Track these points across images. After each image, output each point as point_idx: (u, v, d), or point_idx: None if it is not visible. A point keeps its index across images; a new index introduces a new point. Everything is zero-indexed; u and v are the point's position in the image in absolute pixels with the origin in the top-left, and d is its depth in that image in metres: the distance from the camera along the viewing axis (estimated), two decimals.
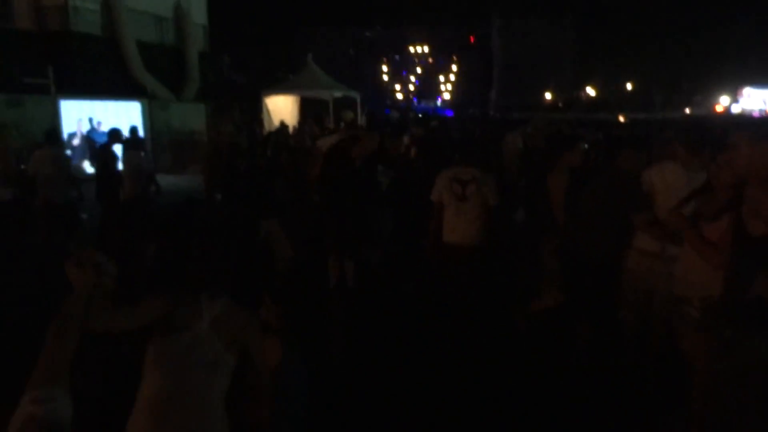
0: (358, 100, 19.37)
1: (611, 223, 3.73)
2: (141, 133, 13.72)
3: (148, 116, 14.02)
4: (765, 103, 61.19)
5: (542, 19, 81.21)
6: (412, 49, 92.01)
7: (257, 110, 17.65)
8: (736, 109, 59.72)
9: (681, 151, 3.71)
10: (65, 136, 12.13)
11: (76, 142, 12.70)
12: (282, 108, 17.84)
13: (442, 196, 4.52)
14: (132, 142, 7.60)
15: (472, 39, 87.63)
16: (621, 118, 27.81)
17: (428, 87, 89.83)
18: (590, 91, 71.56)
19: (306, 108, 19.36)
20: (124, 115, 13.71)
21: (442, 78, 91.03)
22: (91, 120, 12.79)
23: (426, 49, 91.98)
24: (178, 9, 16.95)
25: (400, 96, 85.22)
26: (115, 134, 7.44)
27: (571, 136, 5.66)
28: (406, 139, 10.75)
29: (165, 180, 9.94)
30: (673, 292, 3.15)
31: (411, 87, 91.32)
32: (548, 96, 73.45)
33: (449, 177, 4.52)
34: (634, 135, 7.32)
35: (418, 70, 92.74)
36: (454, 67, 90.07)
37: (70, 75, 13.15)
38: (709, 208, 2.87)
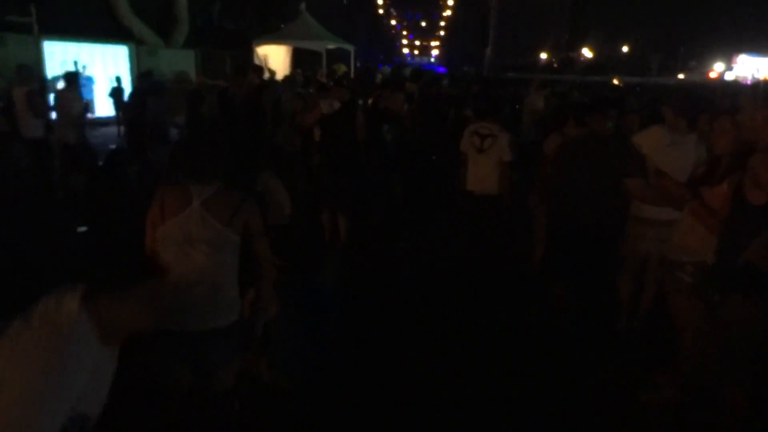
0: (352, 52, 18.95)
1: (603, 189, 3.64)
2: (128, 78, 13.46)
3: (135, 61, 13.61)
4: (758, 71, 61.15)
5: None
6: (408, 2, 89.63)
7: (248, 59, 17.21)
8: (729, 76, 59.52)
9: (668, 114, 3.68)
10: (48, 77, 11.76)
11: (60, 85, 12.33)
12: (274, 58, 17.40)
13: (466, 147, 4.86)
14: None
15: None
16: (616, 81, 27.54)
17: (423, 42, 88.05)
18: (586, 53, 70.62)
19: (298, 59, 18.93)
20: (110, 60, 13.31)
21: (438, 34, 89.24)
22: (76, 63, 12.37)
23: (422, 2, 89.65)
24: None
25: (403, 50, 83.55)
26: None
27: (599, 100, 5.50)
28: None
29: None
30: (667, 256, 3.18)
31: (405, 41, 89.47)
32: (543, 56, 72.41)
33: (471, 130, 4.87)
34: (604, 97, 7.23)
35: (414, 23, 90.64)
36: (449, 24, 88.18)
37: (54, 15, 12.62)
38: (711, 173, 2.87)
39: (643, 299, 3.93)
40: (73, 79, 7.57)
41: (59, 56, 12.34)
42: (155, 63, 14.09)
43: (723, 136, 2.81)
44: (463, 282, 4.55)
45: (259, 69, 8.24)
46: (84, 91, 11.52)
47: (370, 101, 9.00)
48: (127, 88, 12.91)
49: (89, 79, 12.31)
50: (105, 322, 1.52)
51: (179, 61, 14.90)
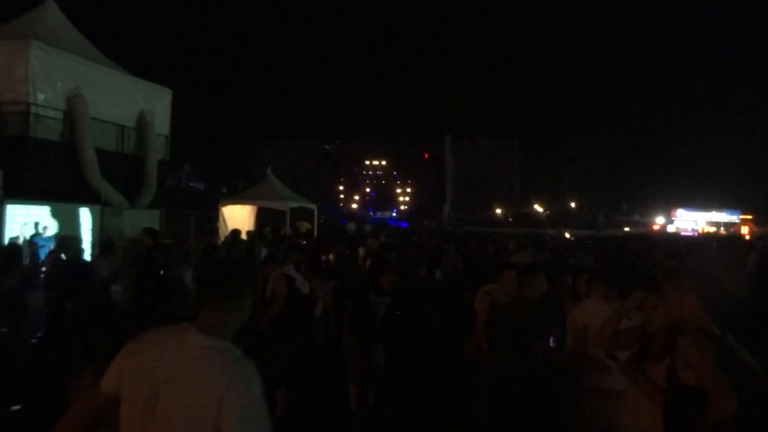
0: (315, 210, 19.73)
1: (519, 352, 3.70)
2: (89, 239, 13.50)
3: (98, 222, 13.78)
4: (696, 223, 66.16)
5: (491, 140, 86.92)
6: (369, 163, 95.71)
7: (214, 218, 17.66)
8: (671, 228, 63.91)
9: (599, 288, 3.90)
10: (5, 240, 11.70)
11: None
12: (238, 216, 17.92)
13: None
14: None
15: (426, 155, 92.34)
16: (567, 234, 29.06)
17: (384, 199, 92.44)
18: (538, 208, 75.23)
19: (263, 217, 19.50)
20: (74, 221, 13.43)
21: (398, 191, 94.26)
22: (36, 224, 12.41)
23: (383, 163, 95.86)
24: (142, 119, 17.34)
25: (356, 206, 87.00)
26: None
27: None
28: (362, 251, 10.90)
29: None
30: None
31: (367, 198, 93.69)
32: (498, 211, 76.58)
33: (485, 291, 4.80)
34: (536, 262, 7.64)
35: (375, 183, 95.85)
36: (410, 181, 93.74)
37: (21, 179, 12.97)
38: (646, 349, 2.93)
39: None
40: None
41: (20, 218, 12.41)
42: (119, 223, 14.28)
43: (654, 312, 2.92)
44: None
45: (154, 232, 8.12)
46: (41, 252, 11.45)
47: (331, 256, 9.23)
48: (88, 249, 12.91)
49: (48, 240, 12.28)
50: None
51: (143, 222, 15.13)
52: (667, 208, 70.27)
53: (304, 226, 19.20)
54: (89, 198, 14.33)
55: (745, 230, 54.07)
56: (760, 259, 10.23)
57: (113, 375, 1.91)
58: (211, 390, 1.76)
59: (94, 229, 13.78)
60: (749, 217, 64.19)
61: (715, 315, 2.79)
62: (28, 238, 12.34)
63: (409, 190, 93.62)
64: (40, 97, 14.22)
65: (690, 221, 66.95)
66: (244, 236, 13.34)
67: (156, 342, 1.93)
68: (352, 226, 29.13)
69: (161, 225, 15.88)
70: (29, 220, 12.47)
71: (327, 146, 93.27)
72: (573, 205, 75.75)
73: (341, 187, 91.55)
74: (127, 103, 16.89)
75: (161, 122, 18.26)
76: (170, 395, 1.80)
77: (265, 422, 1.81)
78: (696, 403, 2.47)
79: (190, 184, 23.99)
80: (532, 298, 4.01)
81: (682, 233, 52.75)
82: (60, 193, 13.48)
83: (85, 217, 13.75)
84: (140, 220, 15.18)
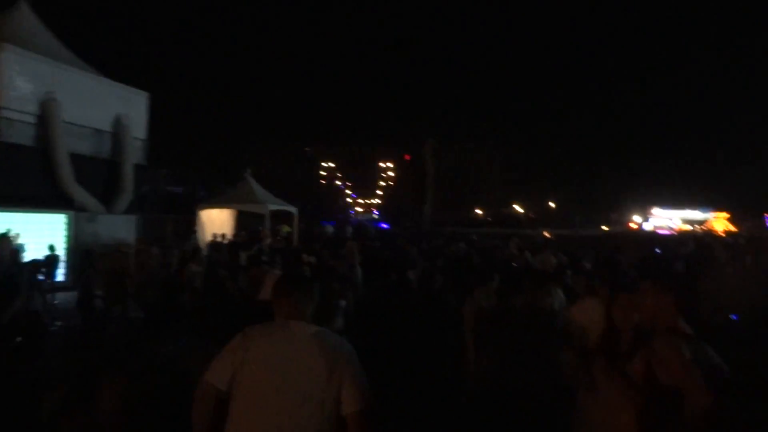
0: (296, 213, 19.61)
1: (529, 362, 3.70)
2: (63, 245, 13.23)
3: (72, 228, 13.52)
4: (671, 220, 67.53)
5: (471, 142, 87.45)
6: (350, 165, 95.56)
7: (192, 223, 17.45)
8: (647, 226, 65.08)
9: (600, 288, 3.90)
10: None
11: None
12: (216, 220, 17.73)
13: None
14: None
15: (407, 157, 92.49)
16: (546, 234, 29.34)
17: (365, 201, 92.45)
18: (517, 208, 75.88)
19: (242, 221, 19.34)
20: (46, 227, 13.17)
21: (379, 192, 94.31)
22: (7, 232, 12.10)
23: (364, 165, 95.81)
24: (117, 123, 17.07)
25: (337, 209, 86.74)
26: None
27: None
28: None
29: None
30: None
31: (349, 200, 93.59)
32: (478, 212, 77.09)
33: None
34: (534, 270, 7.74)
35: (357, 185, 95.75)
36: (391, 183, 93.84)
37: None
38: (611, 347, 2.98)
39: None
40: None
41: None
42: (94, 229, 14.03)
43: (623, 312, 2.97)
44: None
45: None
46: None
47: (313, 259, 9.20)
48: (62, 256, 12.67)
49: (20, 247, 12.01)
50: None
51: (119, 227, 14.91)
52: (644, 207, 71.54)
53: (284, 229, 19.10)
54: (63, 204, 14.07)
55: (719, 227, 55.29)
56: (730, 256, 10.49)
57: (222, 371, 2.25)
58: (329, 363, 2.21)
59: (68, 236, 13.53)
60: (723, 214, 65.65)
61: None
62: None
63: (390, 192, 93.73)
64: (13, 101, 13.92)
65: (666, 219, 68.31)
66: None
67: (266, 335, 2.32)
68: (329, 228, 29.01)
69: (138, 230, 15.66)
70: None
71: (307, 148, 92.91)
72: (552, 205, 76.61)
73: (321, 191, 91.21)
74: (103, 106, 16.61)
75: (137, 125, 18.00)
76: (297, 372, 2.19)
77: (366, 382, 2.27)
78: (672, 402, 2.53)
79: (168, 188, 23.64)
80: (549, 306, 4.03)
81: (659, 231, 53.77)
82: (33, 199, 13.21)
83: (59, 223, 13.49)
84: (116, 225, 14.95)
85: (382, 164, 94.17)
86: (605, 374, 2.97)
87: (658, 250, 15.73)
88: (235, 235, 17.25)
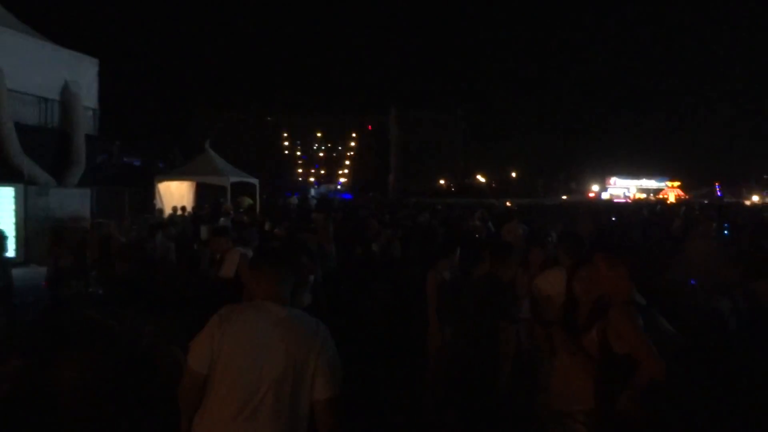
0: (257, 185, 19.30)
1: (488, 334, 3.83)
2: (12, 219, 12.67)
3: (22, 202, 12.94)
4: (628, 190, 69.73)
5: (435, 111, 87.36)
6: (312, 135, 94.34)
7: (150, 196, 16.96)
8: (605, 195, 66.99)
9: (565, 259, 3.95)
10: None
11: None
12: (175, 193, 17.29)
13: None
14: None
15: (369, 127, 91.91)
16: (508, 203, 29.81)
17: (328, 171, 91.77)
18: (480, 178, 76.73)
19: (202, 193, 18.92)
20: None
21: (343, 163, 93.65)
22: None
23: (327, 134, 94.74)
24: (66, 91, 16.21)
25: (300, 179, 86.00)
26: None
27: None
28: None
29: (36, 271, 9.04)
30: (552, 406, 3.15)
31: (311, 170, 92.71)
32: (442, 182, 77.64)
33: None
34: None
35: (319, 155, 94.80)
36: (353, 153, 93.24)
37: None
38: (571, 316, 3.06)
39: None
40: None
41: None
42: (46, 203, 13.47)
43: (582, 284, 3.05)
44: None
45: None
46: None
47: (277, 230, 9.09)
48: (11, 231, 12.15)
49: None
50: None
51: (73, 201, 14.35)
52: (602, 176, 73.49)
53: (246, 201, 18.79)
54: (10, 177, 13.40)
55: (671, 196, 57.34)
56: (685, 224, 10.87)
57: (203, 355, 2.22)
58: (306, 347, 2.21)
59: (17, 210, 12.95)
60: (676, 183, 68.05)
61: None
62: None
63: (352, 162, 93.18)
64: None
65: (622, 188, 70.43)
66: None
67: (241, 317, 2.28)
68: (294, 200, 28.76)
69: (92, 204, 15.12)
70: None
71: (269, 117, 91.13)
72: (513, 174, 77.77)
73: (284, 161, 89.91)
74: (50, 73, 15.70)
75: (88, 94, 17.13)
76: (270, 356, 2.18)
77: (340, 367, 2.28)
78: (627, 371, 2.60)
79: (124, 160, 22.82)
80: (506, 278, 4.09)
81: (615, 200, 55.40)
82: None
83: (7, 197, 12.88)
84: (69, 199, 14.38)
85: (345, 133, 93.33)
86: (564, 344, 3.05)
87: (613, 219, 16.14)
88: (195, 207, 16.87)
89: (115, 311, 4.65)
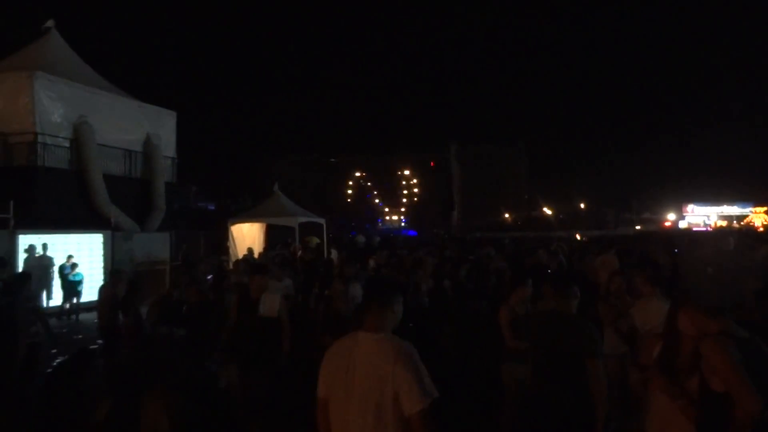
0: (324, 225, 19.70)
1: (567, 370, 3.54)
2: (101, 264, 13.54)
3: (110, 247, 13.85)
4: (708, 218, 65.54)
5: (496, 145, 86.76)
6: (376, 174, 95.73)
7: (223, 238, 17.70)
8: (683, 224, 63.35)
9: (645, 287, 3.75)
10: (20, 267, 11.71)
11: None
12: (247, 235, 17.94)
13: None
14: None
15: (432, 163, 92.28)
16: (578, 236, 28.84)
17: (392, 209, 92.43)
18: (547, 211, 74.73)
19: (272, 234, 19.52)
20: (85, 247, 13.50)
21: (404, 200, 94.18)
22: (45, 246, 12.32)
23: (390, 173, 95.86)
24: (148, 143, 17.45)
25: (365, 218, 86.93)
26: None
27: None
28: (372, 263, 10.87)
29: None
30: None
31: (376, 210, 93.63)
32: (506, 215, 76.31)
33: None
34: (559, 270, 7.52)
35: (383, 193, 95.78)
36: (416, 190, 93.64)
37: (31, 209, 13.07)
38: (681, 360, 2.83)
39: None
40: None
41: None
42: (130, 247, 14.33)
43: (689, 321, 2.82)
44: None
45: None
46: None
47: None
48: (100, 274, 12.99)
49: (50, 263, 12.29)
50: None
51: (154, 245, 15.20)
52: (678, 204, 69.68)
53: (313, 240, 19.18)
54: (99, 224, 14.41)
55: (758, 222, 53.44)
56: None
57: (322, 383, 2.58)
58: (388, 363, 2.38)
59: (105, 255, 13.85)
60: (763, 209, 63.41)
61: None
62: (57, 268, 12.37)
63: (416, 199, 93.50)
64: (47, 126, 14.39)
65: (702, 216, 66.33)
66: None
67: (340, 347, 2.59)
68: (361, 238, 29.05)
69: (171, 247, 15.93)
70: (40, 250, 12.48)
71: (333, 159, 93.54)
72: (582, 205, 75.25)
73: (349, 201, 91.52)
74: (133, 127, 17.03)
75: (167, 144, 18.39)
76: (361, 375, 2.43)
77: (426, 377, 2.41)
78: (726, 410, 2.42)
79: (199, 204, 24.04)
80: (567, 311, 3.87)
81: (694, 229, 52.26)
82: (70, 221, 13.57)
83: (97, 243, 13.82)
84: (150, 243, 15.24)
85: (407, 171, 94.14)
86: (665, 389, 2.82)
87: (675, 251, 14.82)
88: (266, 248, 17.41)
89: (193, 353, 4.83)
